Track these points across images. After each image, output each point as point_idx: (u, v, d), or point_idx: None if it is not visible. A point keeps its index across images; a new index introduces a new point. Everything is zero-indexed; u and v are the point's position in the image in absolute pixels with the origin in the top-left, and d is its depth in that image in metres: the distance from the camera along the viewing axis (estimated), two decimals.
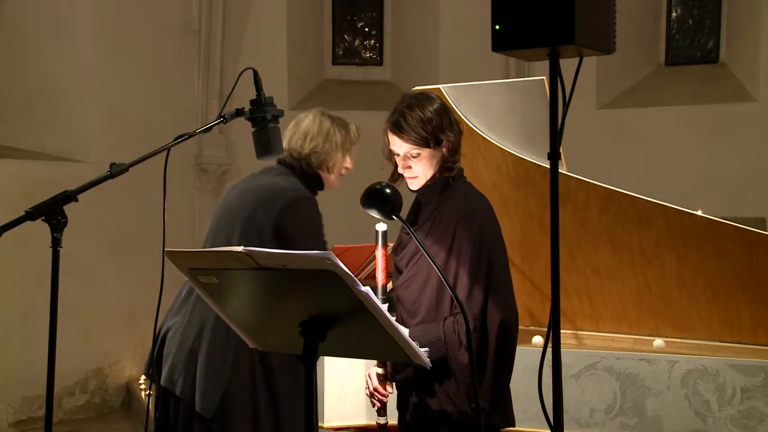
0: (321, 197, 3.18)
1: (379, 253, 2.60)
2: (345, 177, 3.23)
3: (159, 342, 3.00)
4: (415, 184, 2.66)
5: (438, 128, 2.58)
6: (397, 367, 2.63)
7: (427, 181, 2.64)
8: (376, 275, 2.63)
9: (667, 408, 3.39)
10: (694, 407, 3.36)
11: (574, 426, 3.46)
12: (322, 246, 2.94)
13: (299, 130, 3.08)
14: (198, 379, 2.87)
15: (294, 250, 2.80)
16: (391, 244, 2.82)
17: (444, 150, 2.61)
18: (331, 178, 3.13)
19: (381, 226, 2.58)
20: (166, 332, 2.99)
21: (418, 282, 2.61)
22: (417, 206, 2.74)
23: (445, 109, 2.63)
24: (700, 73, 7.43)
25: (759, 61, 6.95)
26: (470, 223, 2.55)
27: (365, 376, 2.68)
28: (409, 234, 2.61)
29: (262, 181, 3.04)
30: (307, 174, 3.08)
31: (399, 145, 2.61)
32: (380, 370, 2.65)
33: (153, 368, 3.00)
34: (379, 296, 2.59)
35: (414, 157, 2.60)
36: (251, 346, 2.31)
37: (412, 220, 2.71)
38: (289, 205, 2.93)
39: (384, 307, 2.49)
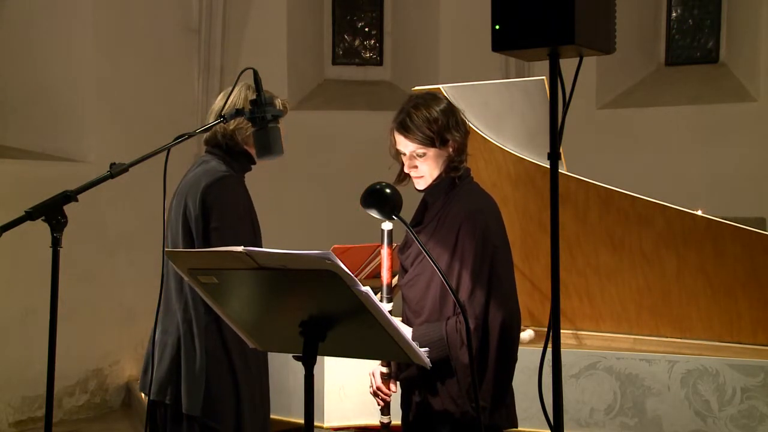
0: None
1: (385, 252, 2.60)
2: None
3: (146, 357, 3.04)
4: (421, 184, 2.67)
5: (444, 128, 2.58)
6: (401, 365, 2.64)
7: (434, 181, 2.65)
8: (381, 274, 2.63)
9: (667, 408, 3.39)
10: (694, 407, 3.36)
11: (574, 426, 3.46)
12: (237, 227, 2.87)
13: (225, 105, 2.97)
14: (182, 382, 2.89)
15: (215, 229, 2.81)
16: (397, 244, 2.82)
17: (450, 150, 2.61)
18: None
19: (387, 225, 2.57)
20: (152, 347, 3.02)
21: (423, 281, 2.61)
22: (424, 206, 2.74)
23: (451, 109, 2.63)
24: (700, 73, 7.42)
25: (759, 61, 6.95)
26: (474, 222, 2.56)
27: (369, 375, 2.68)
28: (415, 233, 2.61)
29: (189, 175, 3.00)
30: (234, 152, 2.98)
31: (405, 145, 2.62)
32: (384, 369, 2.65)
33: (140, 381, 3.06)
34: (385, 295, 2.58)
35: (420, 156, 2.61)
36: (251, 346, 2.31)
37: (419, 220, 2.72)
38: (209, 185, 2.87)
39: (385, 307, 2.50)
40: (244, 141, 2.97)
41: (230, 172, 2.94)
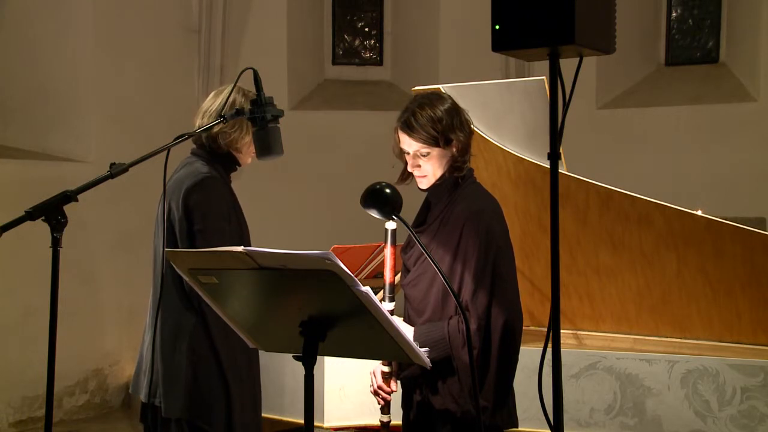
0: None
1: (388, 251, 2.60)
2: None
3: (138, 359, 3.04)
4: (424, 183, 2.67)
5: (448, 128, 2.59)
6: (402, 364, 2.64)
7: (437, 181, 2.65)
8: (384, 273, 2.63)
9: (667, 408, 3.39)
10: (694, 407, 3.36)
11: (574, 426, 3.46)
12: (221, 228, 2.85)
13: (213, 105, 2.97)
14: (162, 385, 2.88)
15: (199, 231, 2.80)
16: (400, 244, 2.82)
17: (454, 150, 2.62)
18: (242, 156, 3.02)
19: (390, 224, 2.57)
20: (143, 349, 3.01)
21: (425, 281, 2.62)
22: (426, 205, 2.74)
23: (456, 109, 2.64)
24: (700, 73, 7.43)
25: (759, 61, 6.95)
26: (477, 223, 2.56)
27: (370, 374, 2.68)
28: (418, 232, 2.61)
29: (173, 178, 2.98)
30: (218, 154, 2.97)
31: (409, 144, 2.62)
32: (386, 368, 2.65)
33: (132, 383, 3.06)
34: (387, 294, 2.58)
35: (424, 156, 2.61)
36: (251, 346, 2.31)
37: (422, 220, 2.72)
38: (190, 187, 2.86)
39: (387, 306, 2.51)
40: (228, 145, 2.96)
41: (212, 173, 2.92)
